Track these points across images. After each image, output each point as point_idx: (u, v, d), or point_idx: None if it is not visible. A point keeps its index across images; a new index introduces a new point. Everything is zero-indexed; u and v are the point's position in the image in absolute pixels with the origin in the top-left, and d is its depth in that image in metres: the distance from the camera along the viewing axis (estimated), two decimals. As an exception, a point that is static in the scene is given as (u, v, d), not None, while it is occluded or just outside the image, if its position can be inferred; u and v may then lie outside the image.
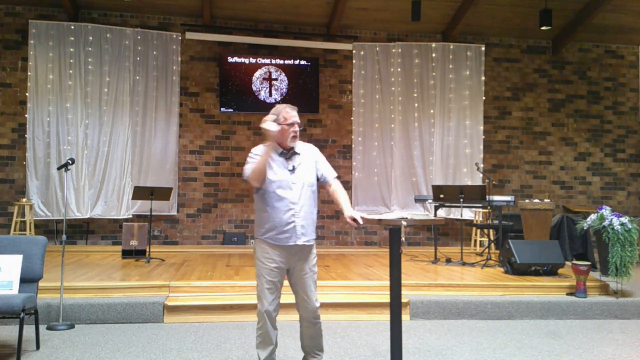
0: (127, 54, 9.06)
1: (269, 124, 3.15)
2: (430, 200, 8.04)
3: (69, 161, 5.04)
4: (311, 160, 3.32)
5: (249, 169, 3.19)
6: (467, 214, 9.23)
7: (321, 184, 3.39)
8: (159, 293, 5.33)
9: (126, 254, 7.33)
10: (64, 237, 4.94)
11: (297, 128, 3.25)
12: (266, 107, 9.41)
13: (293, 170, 3.23)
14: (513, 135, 10.32)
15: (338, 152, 9.70)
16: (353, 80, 9.77)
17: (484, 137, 9.91)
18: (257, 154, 3.21)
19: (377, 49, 9.81)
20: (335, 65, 9.87)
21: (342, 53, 9.83)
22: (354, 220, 3.09)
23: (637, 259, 5.65)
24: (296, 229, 3.17)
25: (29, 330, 4.28)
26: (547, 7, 8.80)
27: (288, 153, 3.26)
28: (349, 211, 3.16)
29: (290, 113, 3.24)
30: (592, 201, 10.43)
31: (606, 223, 5.67)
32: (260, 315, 3.23)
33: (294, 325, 4.95)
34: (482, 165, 8.95)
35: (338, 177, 3.45)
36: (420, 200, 8.93)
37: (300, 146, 3.34)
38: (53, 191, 8.70)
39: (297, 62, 9.59)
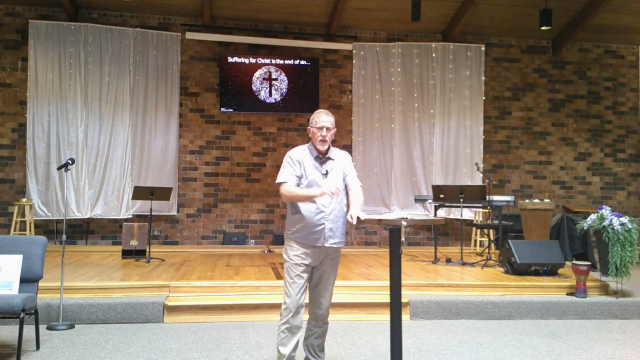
0: (127, 54, 9.06)
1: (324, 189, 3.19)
2: (430, 200, 8.04)
3: (69, 161, 5.03)
4: (342, 166, 3.47)
5: (290, 190, 3.28)
6: (467, 214, 9.23)
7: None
8: (159, 293, 5.33)
9: (126, 254, 7.33)
10: (64, 237, 4.94)
11: (325, 132, 3.38)
12: (266, 107, 9.54)
13: (326, 174, 3.38)
14: (513, 135, 10.33)
15: (338, 152, 9.68)
16: (353, 80, 9.77)
17: (484, 137, 9.92)
18: (297, 160, 3.35)
19: (377, 49, 9.81)
20: (335, 65, 9.87)
21: (342, 53, 9.83)
22: (352, 217, 3.16)
23: (637, 259, 5.65)
24: (325, 231, 3.30)
25: (29, 330, 4.28)
26: (547, 7, 8.81)
27: (323, 158, 3.42)
28: (352, 210, 3.25)
29: (321, 117, 3.42)
30: (592, 201, 10.43)
31: (606, 223, 5.67)
32: (287, 310, 3.30)
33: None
34: (482, 165, 8.94)
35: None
36: (420, 200, 8.93)
37: (335, 153, 3.51)
38: (53, 191, 8.70)
39: (297, 62, 9.59)
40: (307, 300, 3.45)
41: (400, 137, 9.74)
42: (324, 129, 3.40)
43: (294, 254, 3.35)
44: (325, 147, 3.43)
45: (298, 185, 3.35)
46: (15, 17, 9.00)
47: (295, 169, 3.37)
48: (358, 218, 3.16)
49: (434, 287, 5.71)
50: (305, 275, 3.35)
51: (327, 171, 3.40)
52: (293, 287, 3.31)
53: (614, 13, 9.54)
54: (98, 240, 9.10)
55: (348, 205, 3.44)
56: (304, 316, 3.39)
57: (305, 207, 3.31)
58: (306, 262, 3.34)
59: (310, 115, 3.53)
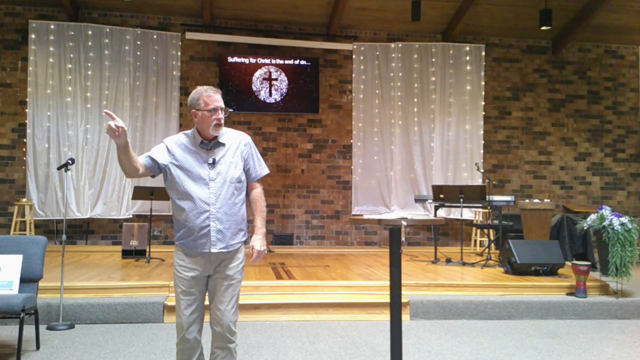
0: (127, 54, 9.06)
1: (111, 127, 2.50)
2: (430, 200, 8.04)
3: (69, 161, 5.03)
4: (238, 151, 2.82)
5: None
6: (467, 214, 9.23)
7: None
8: (159, 293, 5.33)
9: (126, 254, 7.33)
10: (64, 237, 4.94)
11: (220, 115, 2.73)
12: (266, 107, 9.55)
13: (213, 163, 2.73)
14: (513, 135, 10.32)
15: (338, 152, 9.69)
16: (353, 80, 9.77)
17: (484, 137, 9.92)
18: (170, 147, 2.78)
19: (377, 49, 9.81)
20: (335, 65, 9.87)
21: (342, 53, 9.83)
22: (252, 251, 2.81)
23: (637, 259, 5.66)
24: (211, 234, 2.72)
25: (29, 330, 4.28)
26: (547, 7, 8.80)
27: (209, 144, 2.76)
28: (256, 240, 2.82)
29: (213, 97, 2.73)
30: (592, 201, 10.43)
31: (606, 223, 5.68)
32: (177, 328, 2.87)
33: (293, 325, 4.96)
34: (482, 165, 8.94)
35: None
36: (420, 200, 8.93)
37: (228, 136, 2.83)
38: (53, 191, 8.70)
39: (297, 62, 9.59)
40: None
41: (400, 137, 9.74)
42: (219, 111, 2.73)
43: (179, 264, 2.78)
44: (220, 131, 2.78)
45: (178, 182, 2.71)
46: (15, 17, 9.00)
47: (162, 154, 2.75)
48: (259, 254, 2.79)
49: (434, 287, 5.71)
50: (193, 290, 2.80)
51: (214, 160, 2.73)
52: (179, 304, 2.80)
53: (614, 13, 9.54)
54: (98, 240, 9.10)
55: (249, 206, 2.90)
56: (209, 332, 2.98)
57: (187, 206, 2.71)
58: (193, 273, 2.77)
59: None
